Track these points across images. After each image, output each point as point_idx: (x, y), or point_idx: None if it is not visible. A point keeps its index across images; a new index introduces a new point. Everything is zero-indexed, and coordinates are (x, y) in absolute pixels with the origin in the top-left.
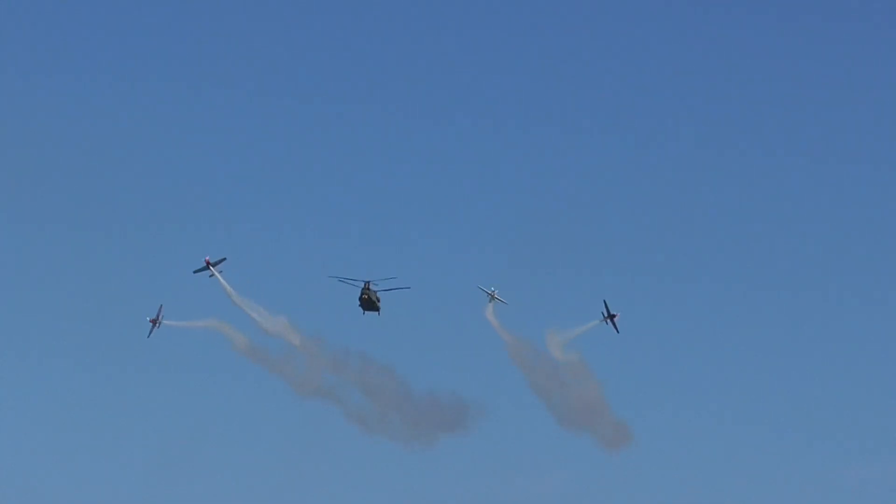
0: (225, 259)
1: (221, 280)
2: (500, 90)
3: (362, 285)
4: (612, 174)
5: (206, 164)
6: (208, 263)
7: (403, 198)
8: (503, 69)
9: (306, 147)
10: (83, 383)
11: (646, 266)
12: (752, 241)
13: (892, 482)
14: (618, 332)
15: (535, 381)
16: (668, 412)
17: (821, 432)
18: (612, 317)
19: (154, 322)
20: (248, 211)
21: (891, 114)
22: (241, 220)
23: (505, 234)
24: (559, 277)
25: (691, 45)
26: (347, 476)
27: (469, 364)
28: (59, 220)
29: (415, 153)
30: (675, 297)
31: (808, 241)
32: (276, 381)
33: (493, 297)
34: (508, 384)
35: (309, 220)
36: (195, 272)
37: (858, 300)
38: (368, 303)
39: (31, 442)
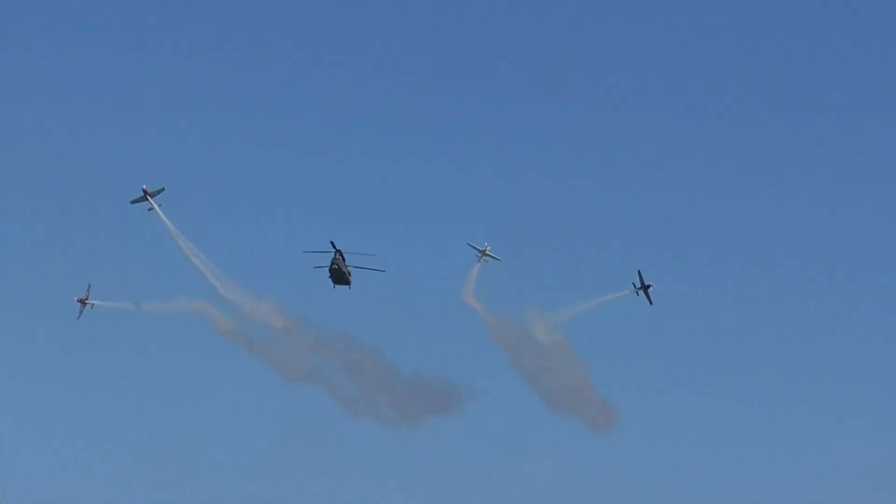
0: (164, 189)
1: (160, 213)
2: (487, 68)
3: (332, 255)
4: (603, 156)
5: (178, 135)
6: (146, 193)
7: (389, 177)
8: (494, 45)
9: (285, 122)
10: (61, 369)
11: (630, 247)
12: (740, 224)
13: (885, 460)
14: (651, 303)
15: (519, 363)
16: (654, 394)
17: (812, 411)
18: (646, 287)
19: (82, 302)
20: (217, 188)
21: None
22: (208, 198)
23: (490, 215)
24: (545, 259)
25: (711, 21)
26: (335, 459)
27: (454, 345)
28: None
29: (402, 131)
30: (659, 277)
31: (798, 225)
32: (261, 365)
33: (483, 254)
34: (493, 365)
35: (283, 198)
36: (132, 202)
37: (845, 281)
38: (338, 274)
39: (13, 430)
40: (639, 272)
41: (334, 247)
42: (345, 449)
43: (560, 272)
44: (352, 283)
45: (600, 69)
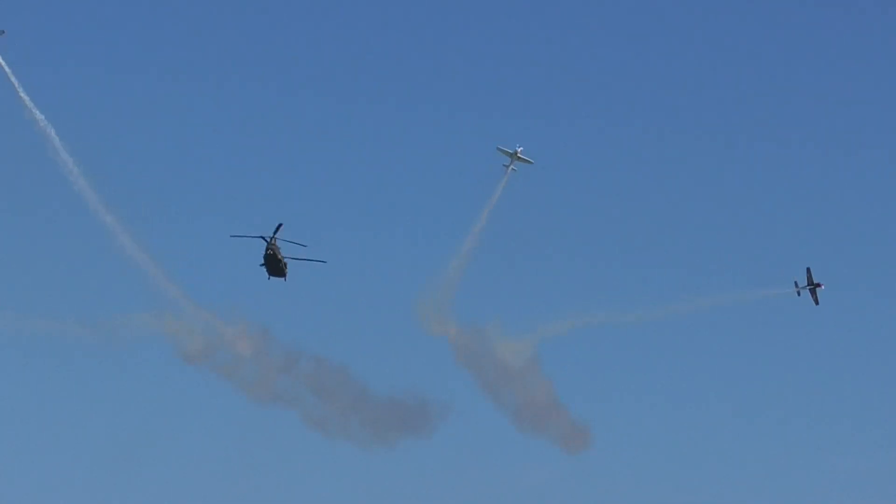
0: (4, 32)
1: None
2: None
3: (267, 240)
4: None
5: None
6: None
7: (376, 178)
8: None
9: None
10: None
11: (608, 259)
12: (733, 231)
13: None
14: (817, 304)
15: (486, 382)
16: (628, 412)
17: (801, 427)
18: (815, 286)
19: None
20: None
21: None
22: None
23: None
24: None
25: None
26: (308, 482)
27: (422, 364)
28: None
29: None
30: (632, 291)
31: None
32: (228, 386)
33: (515, 157)
34: (459, 384)
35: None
36: None
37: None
38: (273, 261)
39: None
40: (808, 269)
41: (264, 239)
42: (318, 470)
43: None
44: (288, 276)
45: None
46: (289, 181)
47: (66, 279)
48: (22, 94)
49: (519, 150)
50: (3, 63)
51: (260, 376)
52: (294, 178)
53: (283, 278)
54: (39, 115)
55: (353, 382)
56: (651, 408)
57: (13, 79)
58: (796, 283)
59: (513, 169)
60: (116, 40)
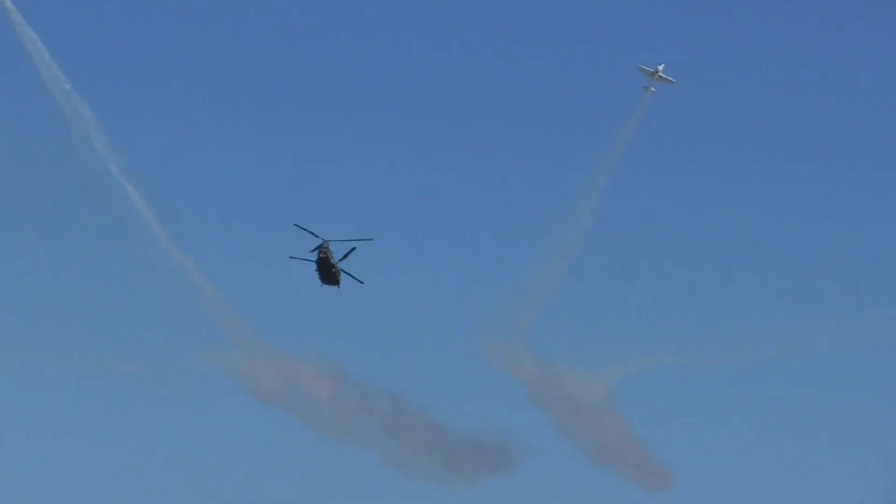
0: None
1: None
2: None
3: (319, 243)
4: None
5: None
6: None
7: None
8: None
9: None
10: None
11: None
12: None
13: None
14: None
15: (564, 423)
16: (711, 451)
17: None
18: None
19: None
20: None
21: None
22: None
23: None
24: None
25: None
26: None
27: (496, 400)
28: None
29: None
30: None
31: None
32: (305, 426)
33: (655, 76)
34: (535, 421)
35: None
36: None
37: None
38: (326, 266)
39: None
40: None
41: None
42: None
43: None
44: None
45: None
46: (356, 197)
47: (143, 320)
48: (94, 131)
49: (660, 68)
50: (75, 92)
51: (335, 415)
52: (361, 195)
53: (336, 286)
54: (108, 148)
55: (429, 420)
56: (737, 449)
57: (87, 112)
58: None
59: (653, 90)
60: (185, 71)
